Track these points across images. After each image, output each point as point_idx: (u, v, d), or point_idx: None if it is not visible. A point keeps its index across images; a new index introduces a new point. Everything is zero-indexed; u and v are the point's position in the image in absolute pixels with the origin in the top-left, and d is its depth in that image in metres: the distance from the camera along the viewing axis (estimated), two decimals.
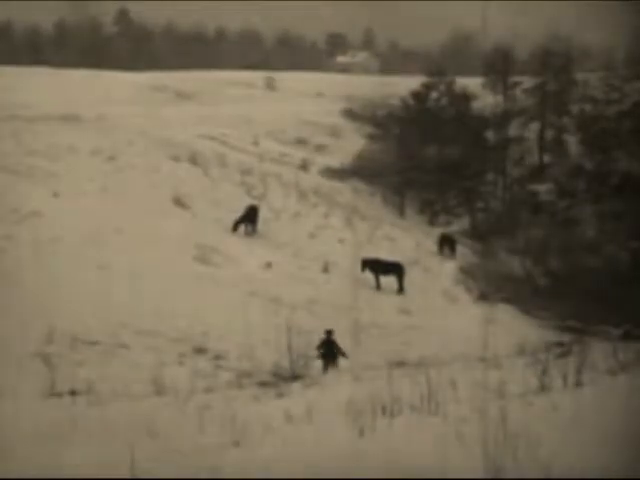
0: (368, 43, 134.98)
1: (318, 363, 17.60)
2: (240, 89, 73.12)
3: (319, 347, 17.83)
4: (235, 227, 32.71)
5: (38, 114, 44.64)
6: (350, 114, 64.83)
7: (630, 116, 50.34)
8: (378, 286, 30.01)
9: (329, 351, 17.93)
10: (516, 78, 57.67)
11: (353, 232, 37.57)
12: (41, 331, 17.46)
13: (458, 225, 48.04)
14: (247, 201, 36.49)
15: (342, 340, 19.12)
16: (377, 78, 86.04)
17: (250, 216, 33.45)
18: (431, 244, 39.94)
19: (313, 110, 64.16)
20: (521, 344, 15.59)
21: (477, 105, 54.97)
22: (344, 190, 48.09)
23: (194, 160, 42.31)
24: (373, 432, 7.88)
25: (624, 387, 8.64)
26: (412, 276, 31.11)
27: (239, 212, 33.62)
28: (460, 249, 39.90)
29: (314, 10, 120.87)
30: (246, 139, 53.06)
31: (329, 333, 18.39)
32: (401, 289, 30.01)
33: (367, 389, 10.64)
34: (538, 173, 54.02)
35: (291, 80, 77.20)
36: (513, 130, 54.87)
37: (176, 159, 41.69)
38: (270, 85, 76.93)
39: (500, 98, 57.13)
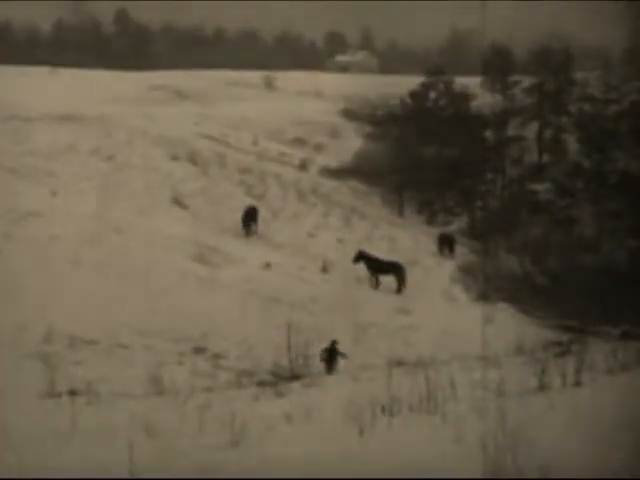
0: (367, 42, 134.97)
1: (319, 364, 17.63)
2: (239, 89, 73.10)
3: (322, 354, 18.37)
4: (244, 227, 32.78)
5: (37, 114, 44.60)
6: (349, 114, 64.81)
7: (629, 116, 50.36)
8: (376, 285, 30.04)
9: (331, 357, 18.58)
10: (515, 77, 57.67)
11: (352, 232, 37.61)
12: (40, 331, 17.45)
13: (457, 225, 48.04)
14: (246, 201, 36.51)
15: (342, 340, 19.12)
16: (376, 78, 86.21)
17: (250, 216, 33.33)
18: (430, 244, 39.93)
19: (312, 110, 64.17)
20: (520, 343, 15.59)
21: (476, 105, 54.97)
22: (343, 190, 48.11)
23: (193, 160, 42.30)
24: (372, 432, 7.89)
25: (623, 387, 8.66)
26: (411, 276, 31.10)
27: (238, 211, 33.62)
28: (459, 249, 39.91)
29: (313, 10, 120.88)
30: (245, 139, 53.05)
31: (334, 343, 18.82)
32: (400, 289, 30.03)
33: (366, 389, 10.66)
34: (537, 172, 54.01)
35: (290, 80, 77.19)
36: (512, 129, 54.86)
37: (175, 159, 41.68)
38: (269, 85, 76.91)
39: (499, 97, 57.11)
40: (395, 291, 29.90)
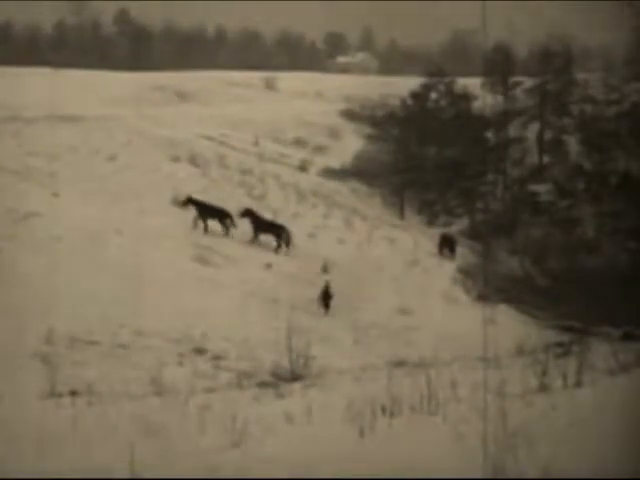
0: (367, 43, 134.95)
1: (319, 365, 17.62)
2: (240, 89, 73.14)
3: (319, 298, 24.52)
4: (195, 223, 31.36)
5: (38, 114, 44.63)
6: (350, 114, 64.83)
7: (629, 117, 50.39)
8: (256, 241, 31.63)
9: (326, 298, 24.38)
10: (516, 78, 57.70)
11: (352, 232, 37.61)
12: (40, 331, 17.44)
13: (458, 225, 48.06)
14: (246, 202, 36.54)
15: (342, 339, 19.15)
16: (376, 78, 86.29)
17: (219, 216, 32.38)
18: (431, 244, 39.92)
19: (313, 110, 64.19)
20: (521, 344, 15.59)
21: (477, 105, 54.98)
22: (343, 190, 48.15)
23: (194, 160, 42.33)
24: (373, 432, 7.88)
25: (624, 388, 8.65)
26: (412, 276, 31.14)
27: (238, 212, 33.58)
28: (460, 249, 39.88)
29: (313, 10, 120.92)
30: (246, 139, 53.07)
31: (327, 285, 24.92)
32: (278, 248, 31.33)
33: (367, 389, 10.66)
34: (538, 173, 54.05)
35: (291, 80, 77.22)
36: (513, 130, 54.92)
37: (176, 159, 41.71)
38: (270, 85, 76.94)
39: (500, 98, 57.15)
40: (274, 249, 31.28)
